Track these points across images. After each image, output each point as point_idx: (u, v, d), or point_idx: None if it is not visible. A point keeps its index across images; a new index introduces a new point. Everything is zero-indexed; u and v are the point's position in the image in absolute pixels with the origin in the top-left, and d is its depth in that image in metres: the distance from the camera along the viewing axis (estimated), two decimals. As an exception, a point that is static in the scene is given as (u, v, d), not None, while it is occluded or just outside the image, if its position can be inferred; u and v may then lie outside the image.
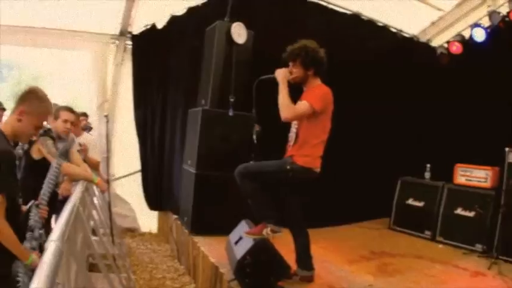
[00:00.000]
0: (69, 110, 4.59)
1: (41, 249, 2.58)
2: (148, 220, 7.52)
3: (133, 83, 7.05)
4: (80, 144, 5.62)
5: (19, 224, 2.61)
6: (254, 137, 4.21)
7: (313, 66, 3.78)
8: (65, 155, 3.32)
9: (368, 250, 5.50)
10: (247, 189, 3.82)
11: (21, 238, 2.56)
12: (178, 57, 6.62)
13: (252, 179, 3.80)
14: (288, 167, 3.77)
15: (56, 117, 4.38)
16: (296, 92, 3.86)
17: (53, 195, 4.03)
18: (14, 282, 2.44)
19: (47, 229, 3.01)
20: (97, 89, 7.50)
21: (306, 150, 3.77)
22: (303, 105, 3.67)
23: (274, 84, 3.82)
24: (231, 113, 5.33)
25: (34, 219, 2.69)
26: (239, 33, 5.51)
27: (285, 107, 3.68)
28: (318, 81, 3.85)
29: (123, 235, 6.82)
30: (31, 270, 2.36)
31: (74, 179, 4.69)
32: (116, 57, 7.44)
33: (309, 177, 3.80)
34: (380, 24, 7.46)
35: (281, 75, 3.80)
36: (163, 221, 7.25)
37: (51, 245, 2.05)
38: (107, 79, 7.50)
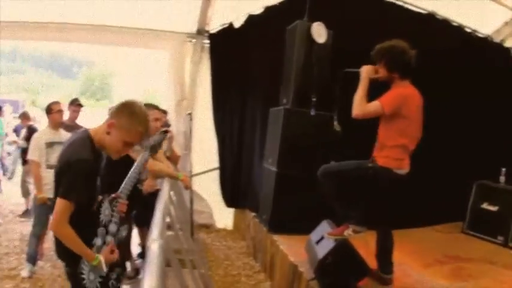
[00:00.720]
0: (158, 108, 4.77)
1: (119, 244, 2.77)
2: (223, 217, 7.74)
3: (212, 81, 7.27)
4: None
5: (91, 227, 2.70)
6: (336, 134, 4.24)
7: (398, 69, 3.76)
8: (154, 149, 3.29)
9: (442, 254, 5.46)
10: (329, 189, 3.90)
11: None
12: (256, 56, 6.75)
13: (333, 179, 3.89)
14: (369, 165, 3.81)
15: None
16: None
17: (135, 190, 4.26)
18: (79, 278, 2.60)
19: (128, 224, 3.12)
20: (175, 87, 7.78)
21: (385, 152, 3.79)
22: (373, 105, 3.67)
23: (358, 78, 3.84)
24: (312, 113, 5.43)
25: (104, 213, 2.73)
26: (319, 32, 5.60)
27: (357, 104, 3.70)
28: (404, 83, 3.81)
29: (199, 231, 7.04)
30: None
31: (158, 176, 4.88)
32: (193, 55, 7.70)
33: (391, 178, 3.77)
34: (455, 24, 7.33)
35: (365, 72, 3.82)
36: (240, 218, 7.44)
37: (154, 244, 2.18)
38: (185, 77, 7.78)
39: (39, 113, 13.56)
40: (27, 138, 8.17)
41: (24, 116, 9.25)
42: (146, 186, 4.90)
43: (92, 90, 46.13)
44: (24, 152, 8.41)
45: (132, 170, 2.97)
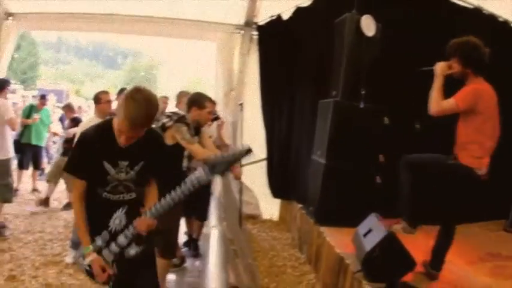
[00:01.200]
0: (213, 101, 4.84)
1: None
2: (270, 208, 7.85)
3: (260, 73, 7.40)
4: (217, 118, 5.89)
5: (101, 217, 2.75)
6: (385, 127, 4.24)
7: (471, 64, 3.77)
8: (217, 169, 2.68)
9: (484, 251, 5.42)
10: (403, 179, 3.97)
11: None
12: (304, 48, 6.82)
13: (409, 170, 3.97)
14: (451, 162, 3.85)
15: (202, 107, 4.55)
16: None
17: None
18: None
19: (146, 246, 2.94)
20: (223, 78, 7.95)
21: (465, 150, 3.82)
22: (449, 102, 3.69)
23: (431, 76, 3.86)
24: (362, 105, 5.47)
25: (115, 221, 2.74)
26: (368, 25, 5.63)
27: (433, 101, 3.74)
28: (478, 79, 3.80)
29: (245, 221, 7.14)
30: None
31: None
32: (242, 47, 7.84)
33: (471, 177, 3.79)
34: (501, 19, 7.21)
35: (439, 69, 3.84)
36: (286, 209, 7.53)
37: (215, 230, 2.32)
38: (233, 68, 7.92)
39: (84, 103, 13.87)
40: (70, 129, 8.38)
41: (68, 108, 9.44)
42: None
43: (137, 81, 46.87)
44: (66, 142, 8.61)
45: (178, 190, 2.66)
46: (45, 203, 8.43)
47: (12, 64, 9.93)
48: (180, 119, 4.23)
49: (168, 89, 43.51)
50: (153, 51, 60.66)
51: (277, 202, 7.81)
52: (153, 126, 4.62)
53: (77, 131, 5.78)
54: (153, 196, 2.89)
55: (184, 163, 4.50)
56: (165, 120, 4.24)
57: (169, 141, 4.19)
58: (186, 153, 4.40)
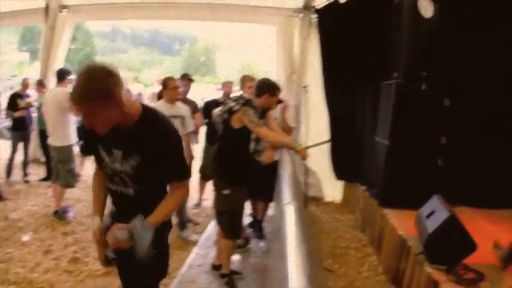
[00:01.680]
0: (280, 88, 4.92)
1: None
2: (332, 190, 8.01)
3: (321, 55, 7.43)
4: (281, 101, 6.04)
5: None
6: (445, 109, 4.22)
7: None
8: None
9: None
10: None
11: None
12: (364, 30, 6.79)
13: None
14: None
15: (274, 94, 4.70)
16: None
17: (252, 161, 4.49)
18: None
19: None
20: (284, 62, 8.11)
21: None
22: None
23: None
24: (423, 87, 5.45)
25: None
26: (426, 6, 5.58)
27: None
28: None
29: (309, 204, 7.22)
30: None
31: (276, 147, 5.01)
32: (301, 30, 7.98)
33: None
34: None
35: None
36: (349, 191, 7.65)
37: (289, 206, 2.47)
38: (294, 51, 8.06)
39: (143, 90, 14.17)
40: None
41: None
42: (265, 158, 5.10)
43: (195, 66, 47.50)
44: None
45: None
46: None
47: (69, 55, 10.26)
48: (246, 103, 4.36)
49: (226, 74, 43.86)
50: (210, 37, 61.07)
51: (340, 184, 7.91)
52: (219, 109, 4.84)
53: None
54: (160, 207, 2.52)
55: (252, 146, 4.68)
56: (232, 104, 4.41)
57: (236, 124, 4.35)
58: (253, 136, 4.54)
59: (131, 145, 2.44)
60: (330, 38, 7.36)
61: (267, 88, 4.66)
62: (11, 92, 9.10)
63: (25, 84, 9.04)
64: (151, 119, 2.48)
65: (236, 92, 7.33)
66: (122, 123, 2.37)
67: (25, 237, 5.73)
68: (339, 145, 7.48)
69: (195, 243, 5.94)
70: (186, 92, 7.04)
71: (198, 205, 7.73)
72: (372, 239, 5.86)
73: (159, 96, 6.46)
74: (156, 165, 2.45)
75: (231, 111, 4.38)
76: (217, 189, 4.62)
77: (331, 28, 7.31)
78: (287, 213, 2.40)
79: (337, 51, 7.26)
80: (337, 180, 7.75)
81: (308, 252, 1.94)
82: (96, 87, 2.18)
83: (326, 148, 7.47)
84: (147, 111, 2.49)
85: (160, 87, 6.14)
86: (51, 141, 6.51)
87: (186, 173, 2.66)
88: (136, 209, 2.45)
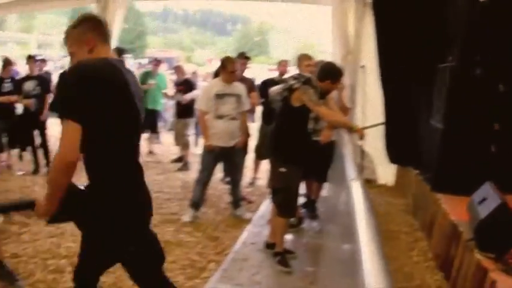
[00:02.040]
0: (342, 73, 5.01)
1: None
2: (385, 173, 8.06)
3: (376, 36, 7.29)
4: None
5: None
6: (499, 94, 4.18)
7: None
8: None
9: None
10: None
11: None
12: (419, 12, 6.67)
13: None
14: None
15: (336, 82, 4.82)
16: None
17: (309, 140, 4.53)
18: None
19: None
20: (339, 42, 8.13)
21: None
22: None
23: None
24: (477, 72, 5.35)
25: None
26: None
27: None
28: None
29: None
30: None
31: (335, 126, 5.16)
32: (356, 10, 8.01)
33: None
34: None
35: None
36: (402, 175, 7.65)
37: (356, 183, 2.55)
38: (349, 32, 8.08)
39: (195, 69, 14.35)
40: (184, 92, 8.99)
41: (178, 69, 9.93)
42: (324, 137, 5.29)
43: (248, 47, 47.60)
44: (178, 105, 9.28)
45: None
46: (179, 161, 9.34)
47: (120, 35, 10.53)
48: (307, 81, 4.45)
49: (279, 54, 43.81)
50: (262, 17, 60.99)
51: (393, 167, 7.91)
52: (279, 87, 4.95)
53: (201, 93, 6.26)
54: None
55: (311, 125, 4.79)
56: (292, 82, 4.51)
57: (295, 102, 4.46)
58: (312, 115, 4.64)
59: None
60: (384, 19, 7.25)
61: (331, 75, 4.76)
62: (61, 71, 9.39)
63: None
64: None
65: (291, 71, 7.39)
66: None
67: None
68: (393, 128, 7.37)
69: (248, 221, 6.10)
70: (243, 70, 7.16)
71: (251, 184, 7.95)
72: (423, 223, 5.86)
73: (216, 74, 6.66)
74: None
75: (291, 89, 4.48)
76: (273, 167, 4.75)
77: (386, 9, 7.22)
78: (353, 189, 2.48)
79: (392, 32, 7.11)
80: (391, 163, 7.68)
81: (376, 228, 2.00)
82: (73, 30, 2.49)
83: (380, 130, 7.42)
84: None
85: (212, 67, 6.30)
86: None
87: (64, 110, 2.29)
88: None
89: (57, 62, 23.11)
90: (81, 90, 2.25)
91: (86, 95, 2.25)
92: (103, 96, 2.31)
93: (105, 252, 2.58)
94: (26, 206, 2.45)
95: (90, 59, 2.43)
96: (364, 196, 2.31)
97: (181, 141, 9.34)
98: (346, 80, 7.42)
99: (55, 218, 2.41)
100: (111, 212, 2.43)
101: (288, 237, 5.35)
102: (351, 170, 2.92)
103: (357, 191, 2.42)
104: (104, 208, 2.41)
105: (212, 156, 5.98)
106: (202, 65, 29.87)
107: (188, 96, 8.94)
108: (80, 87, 2.26)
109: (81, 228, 2.57)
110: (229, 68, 5.81)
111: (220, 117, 5.86)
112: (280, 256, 4.81)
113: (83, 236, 2.65)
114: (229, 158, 6.14)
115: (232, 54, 7.25)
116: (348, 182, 2.72)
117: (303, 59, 6.16)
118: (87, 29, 2.47)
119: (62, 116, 2.24)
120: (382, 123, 7.22)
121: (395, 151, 7.50)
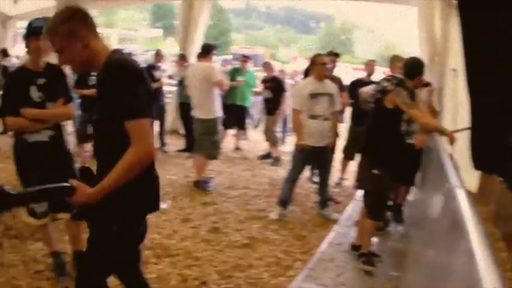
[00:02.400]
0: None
1: None
2: (469, 178, 7.73)
3: (462, 38, 7.20)
4: (429, 84, 6.01)
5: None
6: None
7: None
8: None
9: None
10: None
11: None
12: (508, 13, 6.54)
13: None
14: None
15: (422, 73, 4.73)
16: None
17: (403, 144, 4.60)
18: None
19: None
20: (425, 43, 8.00)
21: None
22: None
23: None
24: None
25: None
26: None
27: None
28: None
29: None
30: None
31: (428, 130, 5.03)
32: (442, 11, 7.84)
33: None
34: None
35: None
36: (485, 181, 7.30)
37: (460, 192, 2.62)
38: (435, 33, 7.94)
39: (279, 66, 14.42)
40: (272, 89, 9.09)
41: (267, 66, 10.04)
42: (418, 141, 5.19)
43: (332, 45, 47.47)
44: (267, 101, 9.39)
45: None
46: (267, 157, 9.44)
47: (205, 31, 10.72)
48: (400, 83, 4.44)
49: (364, 54, 43.27)
50: (345, 16, 60.54)
51: (476, 173, 7.57)
52: (371, 88, 4.90)
53: (295, 93, 6.25)
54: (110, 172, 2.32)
55: (403, 127, 4.72)
56: (385, 83, 4.51)
57: (389, 104, 4.44)
58: (404, 117, 4.58)
59: (98, 94, 2.40)
60: (470, 20, 7.11)
61: (420, 68, 4.69)
62: (145, 65, 9.75)
63: (159, 56, 9.53)
64: (108, 63, 2.35)
65: (378, 71, 7.32)
66: (97, 69, 2.43)
67: (163, 205, 5.79)
68: (480, 133, 7.18)
69: (335, 221, 6.03)
70: (333, 68, 7.06)
71: (338, 184, 7.86)
72: (504, 233, 5.68)
73: (306, 73, 6.64)
74: (107, 110, 2.34)
75: (384, 91, 4.46)
76: (365, 168, 4.72)
77: (472, 10, 7.06)
78: (459, 197, 2.49)
79: (478, 33, 6.96)
80: (475, 169, 7.43)
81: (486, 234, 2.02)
82: (62, 26, 2.32)
83: (466, 135, 7.18)
84: (111, 55, 2.40)
85: (297, 65, 6.34)
86: (197, 114, 6.91)
87: (136, 112, 2.28)
88: (99, 164, 2.46)
89: (140, 56, 23.81)
90: (140, 86, 2.31)
91: (142, 90, 2.31)
92: (145, 89, 2.35)
93: (122, 240, 2.60)
94: (63, 191, 2.28)
95: (121, 52, 2.47)
96: (471, 204, 2.31)
97: (270, 137, 9.40)
98: (433, 81, 7.33)
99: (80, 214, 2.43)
100: (129, 199, 2.43)
101: (374, 240, 5.28)
102: (453, 177, 2.88)
103: (462, 199, 2.41)
104: (123, 197, 2.38)
105: (303, 155, 5.98)
106: (287, 63, 30.00)
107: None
108: (138, 83, 2.31)
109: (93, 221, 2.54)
110: (319, 61, 5.82)
111: (314, 117, 5.83)
112: (366, 257, 4.77)
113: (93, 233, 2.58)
114: (319, 157, 6.13)
115: (316, 52, 7.28)
116: (446, 189, 2.69)
117: (396, 60, 6.08)
118: (79, 24, 2.35)
119: (138, 117, 2.26)
120: (467, 128, 6.93)
121: (480, 157, 7.27)
